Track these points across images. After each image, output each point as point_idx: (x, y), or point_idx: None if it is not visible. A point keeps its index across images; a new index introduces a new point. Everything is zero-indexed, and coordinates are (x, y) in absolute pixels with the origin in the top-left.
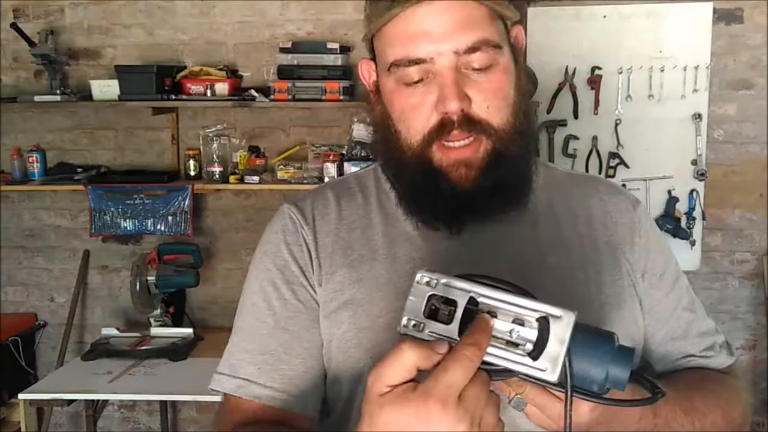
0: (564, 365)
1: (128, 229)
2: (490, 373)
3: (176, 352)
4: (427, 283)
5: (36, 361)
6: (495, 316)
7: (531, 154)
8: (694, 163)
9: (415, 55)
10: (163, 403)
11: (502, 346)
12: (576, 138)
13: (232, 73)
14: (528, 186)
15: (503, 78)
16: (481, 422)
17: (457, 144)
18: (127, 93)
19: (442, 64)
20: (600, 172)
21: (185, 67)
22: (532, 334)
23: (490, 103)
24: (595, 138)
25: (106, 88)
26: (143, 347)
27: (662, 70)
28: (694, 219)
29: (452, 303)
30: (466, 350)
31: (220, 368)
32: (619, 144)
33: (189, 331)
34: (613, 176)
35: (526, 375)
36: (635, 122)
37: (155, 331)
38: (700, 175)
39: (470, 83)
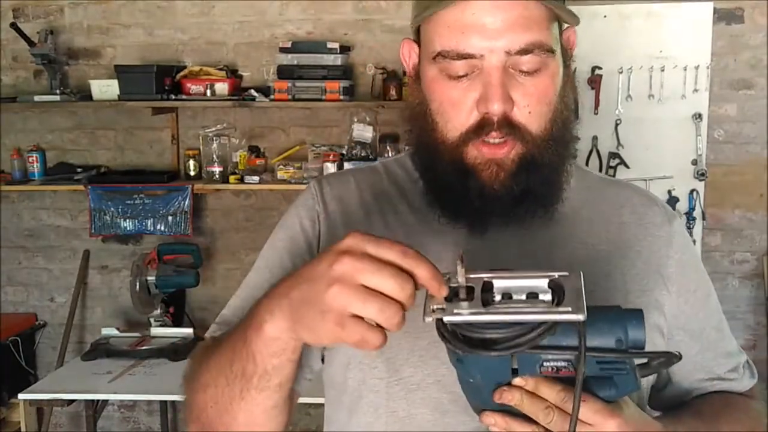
0: (584, 306)
1: (128, 229)
2: (521, 344)
3: (176, 352)
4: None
5: (36, 361)
6: (510, 297)
7: (565, 162)
8: (694, 163)
9: (465, 49)
10: (163, 403)
11: (527, 307)
12: (576, 138)
13: (232, 73)
14: (558, 195)
15: (549, 84)
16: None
17: (492, 141)
18: (127, 93)
19: (490, 62)
20: (600, 172)
21: (185, 67)
22: (548, 296)
23: (533, 109)
24: (595, 138)
25: (105, 88)
26: (143, 347)
27: (662, 70)
28: (694, 219)
29: (469, 289)
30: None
31: (216, 321)
32: (619, 144)
33: (189, 331)
34: (613, 176)
35: (555, 321)
36: (635, 122)
37: (155, 331)
38: (700, 175)
39: (516, 85)
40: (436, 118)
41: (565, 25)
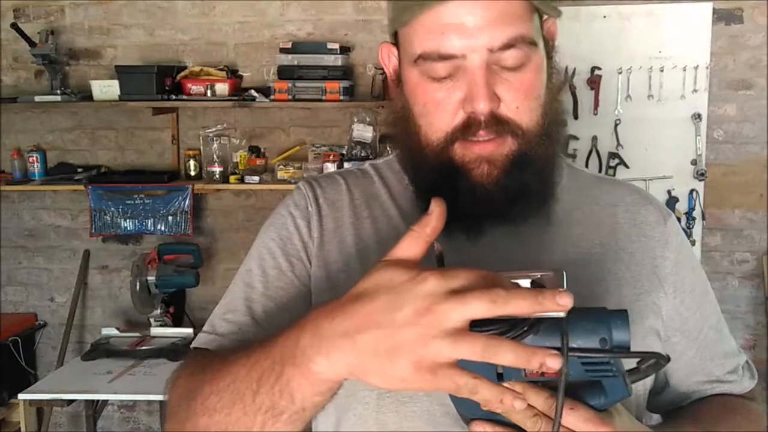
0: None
1: (128, 229)
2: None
3: (176, 352)
4: None
5: (36, 361)
6: None
7: (556, 156)
8: (694, 163)
9: (446, 50)
10: (163, 403)
11: None
12: (576, 138)
13: (233, 73)
14: (550, 192)
15: (535, 77)
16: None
17: (481, 139)
18: (128, 93)
19: (473, 61)
20: (600, 172)
21: (185, 67)
22: None
23: (520, 104)
24: (594, 138)
25: (106, 88)
26: (143, 347)
27: (662, 70)
28: (693, 219)
29: None
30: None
31: (204, 328)
32: (618, 144)
33: (189, 331)
34: (613, 176)
35: (535, 317)
36: (635, 122)
37: (155, 331)
38: (700, 175)
39: (501, 81)
40: (420, 121)
41: (545, 17)
